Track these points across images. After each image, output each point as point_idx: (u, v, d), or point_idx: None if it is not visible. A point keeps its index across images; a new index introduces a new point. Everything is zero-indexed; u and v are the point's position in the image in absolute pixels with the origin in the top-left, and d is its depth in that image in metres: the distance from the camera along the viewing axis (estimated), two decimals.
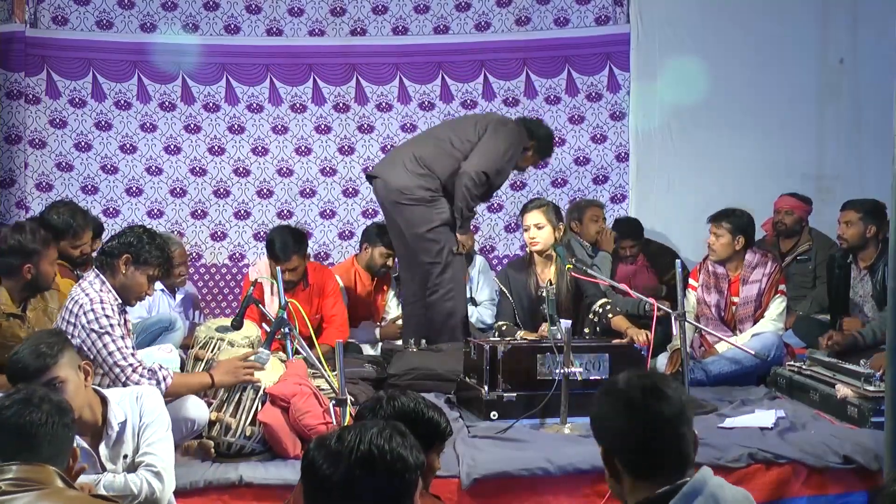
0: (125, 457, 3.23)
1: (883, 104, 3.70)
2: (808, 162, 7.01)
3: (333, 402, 3.63)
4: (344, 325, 5.67)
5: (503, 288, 5.32)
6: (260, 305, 4.65)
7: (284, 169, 7.16)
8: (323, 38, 7.16)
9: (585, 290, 5.14)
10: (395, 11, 7.18)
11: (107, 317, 3.73)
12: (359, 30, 7.19)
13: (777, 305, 5.33)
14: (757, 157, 6.95)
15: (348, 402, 3.58)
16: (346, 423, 3.34)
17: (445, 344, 5.37)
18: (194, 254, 7.02)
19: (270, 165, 7.16)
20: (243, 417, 3.88)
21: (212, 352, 4.34)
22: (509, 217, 7.19)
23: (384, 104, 7.18)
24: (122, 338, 3.76)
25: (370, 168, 6.42)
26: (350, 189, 7.17)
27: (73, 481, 2.38)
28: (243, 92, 7.12)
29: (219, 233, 7.15)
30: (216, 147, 7.13)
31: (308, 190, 7.18)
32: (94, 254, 4.62)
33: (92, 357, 3.67)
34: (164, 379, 3.73)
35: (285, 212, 7.11)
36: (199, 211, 7.13)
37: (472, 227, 5.98)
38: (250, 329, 4.59)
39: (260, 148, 7.15)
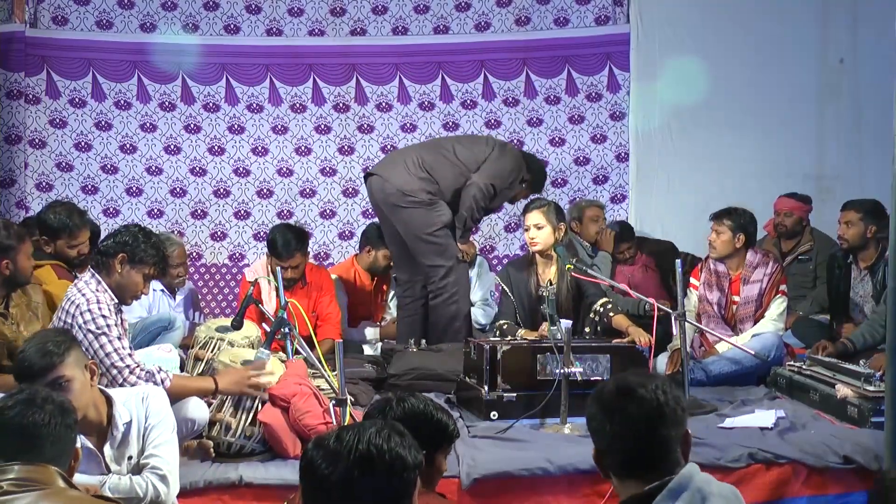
0: (130, 458, 3.21)
1: (883, 104, 3.69)
2: (808, 162, 7.01)
3: (333, 402, 3.63)
4: (337, 324, 5.69)
5: (504, 287, 5.32)
6: (260, 305, 4.65)
7: (284, 169, 7.16)
8: (323, 38, 7.17)
9: (586, 290, 5.14)
10: (395, 11, 7.18)
11: (104, 317, 3.72)
12: (359, 30, 7.19)
13: (777, 305, 5.33)
14: (757, 157, 6.95)
15: (348, 402, 3.57)
16: (346, 424, 3.34)
17: (445, 344, 5.37)
18: (194, 254, 7.02)
19: (270, 165, 7.16)
20: (243, 417, 3.88)
21: (212, 352, 4.34)
22: (509, 217, 7.19)
23: (384, 104, 7.18)
24: (119, 338, 3.75)
25: (370, 168, 6.42)
26: (350, 189, 7.17)
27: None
28: (243, 92, 7.13)
29: (219, 233, 7.15)
30: (216, 147, 7.13)
31: (308, 190, 7.18)
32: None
33: (89, 358, 3.67)
34: (163, 381, 3.70)
35: (285, 212, 7.11)
36: (199, 211, 7.13)
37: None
38: (250, 329, 4.60)
39: (260, 148, 7.16)
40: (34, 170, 6.99)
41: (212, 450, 3.81)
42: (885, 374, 3.58)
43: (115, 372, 3.68)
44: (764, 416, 4.35)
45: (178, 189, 7.11)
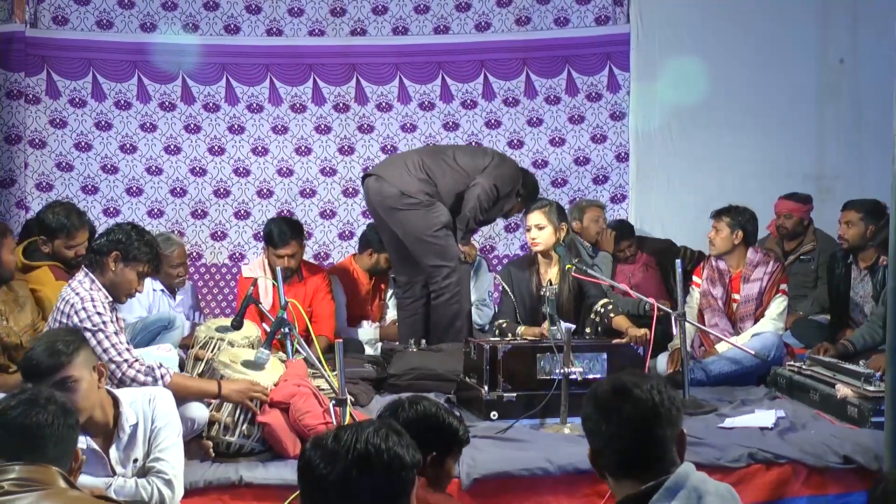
0: (135, 461, 3.20)
1: (883, 104, 3.70)
2: (808, 162, 7.00)
3: (333, 402, 3.63)
4: (331, 323, 5.73)
5: (505, 286, 5.32)
6: (260, 305, 4.65)
7: (284, 169, 7.16)
8: (323, 38, 7.16)
9: (587, 291, 5.14)
10: (395, 11, 7.18)
11: (98, 314, 3.72)
12: (359, 30, 7.19)
13: (778, 304, 5.33)
14: (757, 157, 6.95)
15: (348, 402, 3.57)
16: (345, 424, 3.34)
17: (445, 344, 5.38)
18: (194, 254, 7.02)
19: (270, 165, 7.16)
20: (243, 417, 3.88)
21: (212, 352, 4.33)
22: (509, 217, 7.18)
23: (384, 104, 7.18)
24: (116, 334, 3.75)
25: (370, 168, 6.43)
26: (350, 189, 7.17)
27: (75, 482, 2.38)
28: (243, 92, 7.12)
29: (219, 233, 7.15)
30: (216, 147, 7.13)
31: (308, 190, 7.18)
32: None
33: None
34: (162, 377, 3.70)
35: (285, 212, 7.10)
36: (199, 211, 7.13)
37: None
38: (250, 329, 4.59)
39: (260, 148, 7.15)
40: (34, 170, 6.99)
41: (211, 450, 3.81)
42: (884, 374, 3.58)
43: (113, 367, 3.67)
44: (764, 416, 4.36)
45: (178, 189, 7.11)
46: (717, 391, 4.99)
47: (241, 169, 7.14)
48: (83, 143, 7.04)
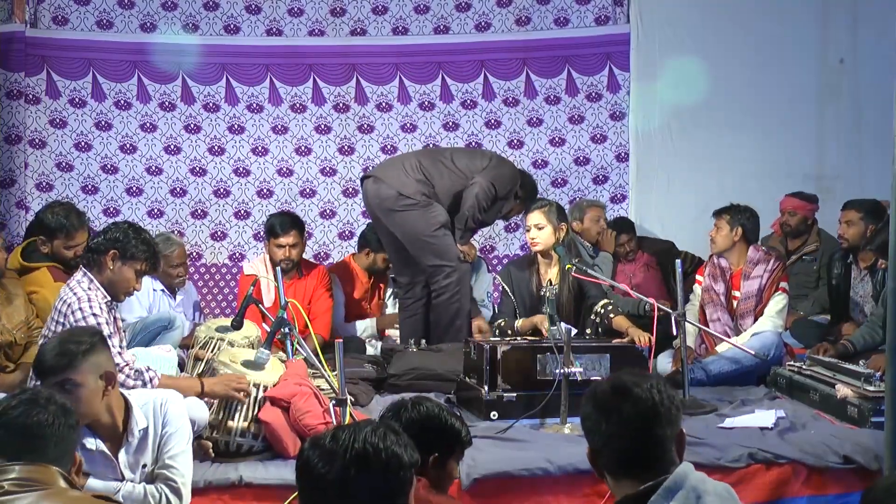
0: (144, 466, 3.18)
1: (883, 104, 3.69)
2: (808, 162, 7.00)
3: (333, 401, 3.63)
4: (326, 319, 5.76)
5: (505, 286, 5.32)
6: (260, 305, 4.65)
7: (284, 169, 7.16)
8: (323, 38, 7.16)
9: (588, 291, 5.14)
10: (395, 11, 7.18)
11: (94, 315, 3.72)
12: (359, 30, 7.19)
13: (777, 302, 5.33)
14: (757, 157, 6.95)
15: (348, 402, 3.57)
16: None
17: (445, 344, 5.38)
18: (194, 254, 7.02)
19: (270, 165, 7.16)
20: (243, 417, 3.88)
21: (212, 352, 4.34)
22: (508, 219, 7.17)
23: (384, 104, 7.17)
24: (110, 336, 3.73)
25: (370, 168, 6.43)
26: (350, 189, 7.17)
27: (75, 482, 2.38)
28: (243, 92, 7.12)
29: (219, 233, 7.15)
30: (216, 147, 7.13)
31: (308, 190, 7.18)
32: None
33: None
34: (151, 380, 3.69)
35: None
36: (199, 211, 7.13)
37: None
38: (250, 329, 4.60)
39: (260, 148, 7.15)
40: (34, 170, 6.99)
41: (210, 450, 3.81)
42: (884, 374, 3.58)
43: None
44: (764, 416, 4.35)
45: (178, 189, 7.11)
46: (717, 391, 4.99)
47: (241, 169, 7.14)
48: (83, 143, 7.04)
